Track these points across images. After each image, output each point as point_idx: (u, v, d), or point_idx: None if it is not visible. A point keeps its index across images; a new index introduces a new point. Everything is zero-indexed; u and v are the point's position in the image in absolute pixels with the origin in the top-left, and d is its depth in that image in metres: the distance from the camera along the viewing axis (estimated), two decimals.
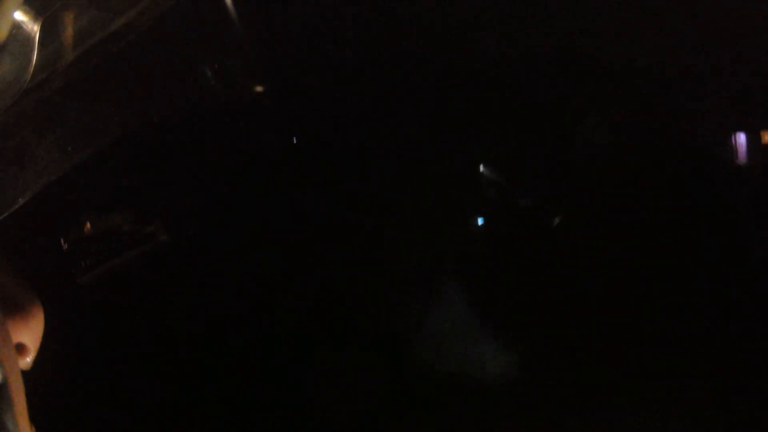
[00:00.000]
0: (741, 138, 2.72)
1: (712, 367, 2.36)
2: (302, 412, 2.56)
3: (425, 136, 3.00)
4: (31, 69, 2.08)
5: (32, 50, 2.09)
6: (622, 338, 2.49)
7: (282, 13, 2.72)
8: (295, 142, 2.66)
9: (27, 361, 0.80)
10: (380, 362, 2.69)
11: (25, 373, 0.77)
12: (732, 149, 2.73)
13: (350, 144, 3.07)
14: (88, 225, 2.26)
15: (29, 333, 0.79)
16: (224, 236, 2.63)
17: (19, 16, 2.09)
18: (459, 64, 2.89)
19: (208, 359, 2.50)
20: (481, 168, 2.95)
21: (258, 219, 2.77)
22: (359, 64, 2.90)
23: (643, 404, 2.34)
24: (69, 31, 2.11)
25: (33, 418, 0.74)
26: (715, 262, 2.54)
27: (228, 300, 2.57)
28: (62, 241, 2.20)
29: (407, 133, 3.01)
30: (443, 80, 3.02)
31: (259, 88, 2.61)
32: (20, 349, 0.78)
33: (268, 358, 2.57)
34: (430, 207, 3.10)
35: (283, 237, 2.85)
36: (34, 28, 2.04)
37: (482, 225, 2.95)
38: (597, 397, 2.39)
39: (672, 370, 2.35)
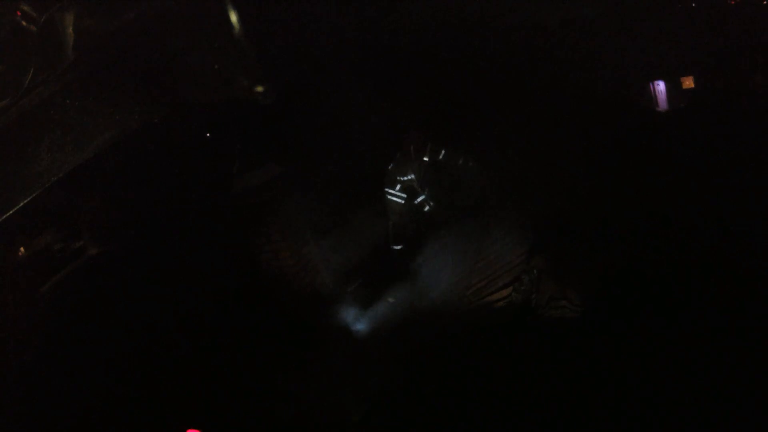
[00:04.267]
0: (660, 85, 2.72)
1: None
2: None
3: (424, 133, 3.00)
4: (32, 69, 2.09)
5: (32, 50, 2.10)
6: None
7: (281, 14, 2.72)
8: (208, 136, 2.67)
9: None
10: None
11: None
12: (652, 96, 2.73)
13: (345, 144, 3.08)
14: (23, 249, 2.28)
15: None
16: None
17: (19, 16, 2.09)
18: (456, 64, 2.89)
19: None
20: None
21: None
22: (357, 63, 2.91)
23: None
24: (69, 31, 2.12)
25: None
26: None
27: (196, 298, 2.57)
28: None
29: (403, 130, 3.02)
30: (442, 80, 3.02)
31: (259, 88, 2.61)
32: None
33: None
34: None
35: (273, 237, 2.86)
36: (34, 28, 2.05)
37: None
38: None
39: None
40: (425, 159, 2.95)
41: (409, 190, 3.02)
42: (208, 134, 2.70)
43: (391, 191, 3.05)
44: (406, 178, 3.01)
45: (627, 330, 2.29)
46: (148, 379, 2.37)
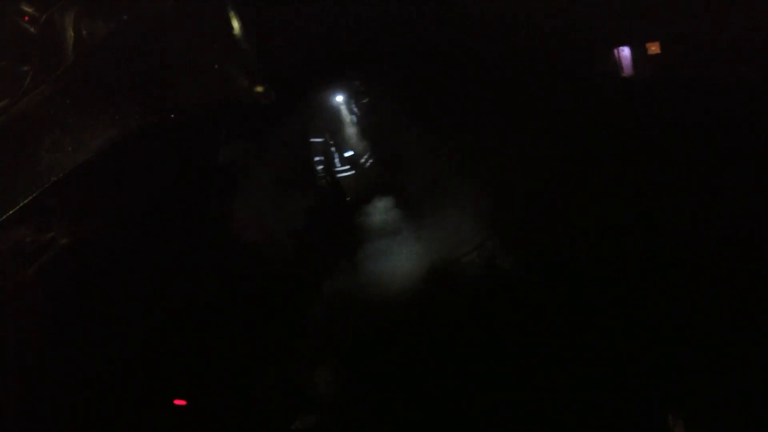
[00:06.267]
0: (625, 51, 2.70)
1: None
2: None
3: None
4: (32, 69, 2.09)
5: (33, 50, 2.11)
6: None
7: (281, 13, 2.73)
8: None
9: None
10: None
11: None
12: (617, 62, 2.71)
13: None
14: (22, 246, 2.29)
15: None
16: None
17: (27, 21, 2.10)
18: (455, 65, 2.89)
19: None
20: None
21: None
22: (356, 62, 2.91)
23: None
24: (69, 31, 2.12)
25: None
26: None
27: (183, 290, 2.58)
28: None
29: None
30: (440, 78, 3.01)
31: (259, 89, 2.62)
32: None
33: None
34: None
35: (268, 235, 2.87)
36: (34, 29, 2.05)
37: None
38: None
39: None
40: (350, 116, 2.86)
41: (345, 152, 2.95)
42: (207, 134, 2.71)
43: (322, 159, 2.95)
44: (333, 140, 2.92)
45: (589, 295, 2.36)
46: (135, 356, 2.40)
